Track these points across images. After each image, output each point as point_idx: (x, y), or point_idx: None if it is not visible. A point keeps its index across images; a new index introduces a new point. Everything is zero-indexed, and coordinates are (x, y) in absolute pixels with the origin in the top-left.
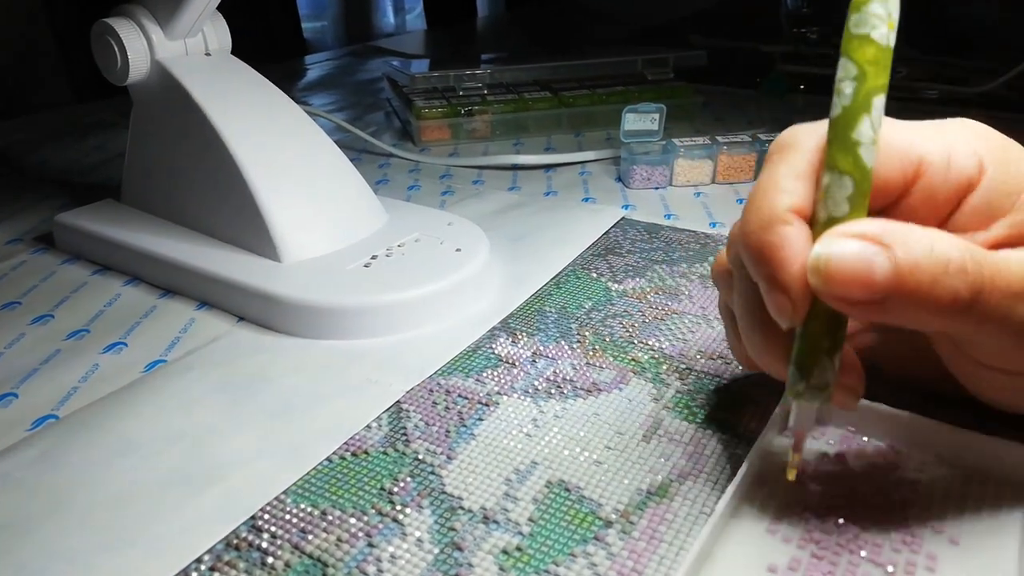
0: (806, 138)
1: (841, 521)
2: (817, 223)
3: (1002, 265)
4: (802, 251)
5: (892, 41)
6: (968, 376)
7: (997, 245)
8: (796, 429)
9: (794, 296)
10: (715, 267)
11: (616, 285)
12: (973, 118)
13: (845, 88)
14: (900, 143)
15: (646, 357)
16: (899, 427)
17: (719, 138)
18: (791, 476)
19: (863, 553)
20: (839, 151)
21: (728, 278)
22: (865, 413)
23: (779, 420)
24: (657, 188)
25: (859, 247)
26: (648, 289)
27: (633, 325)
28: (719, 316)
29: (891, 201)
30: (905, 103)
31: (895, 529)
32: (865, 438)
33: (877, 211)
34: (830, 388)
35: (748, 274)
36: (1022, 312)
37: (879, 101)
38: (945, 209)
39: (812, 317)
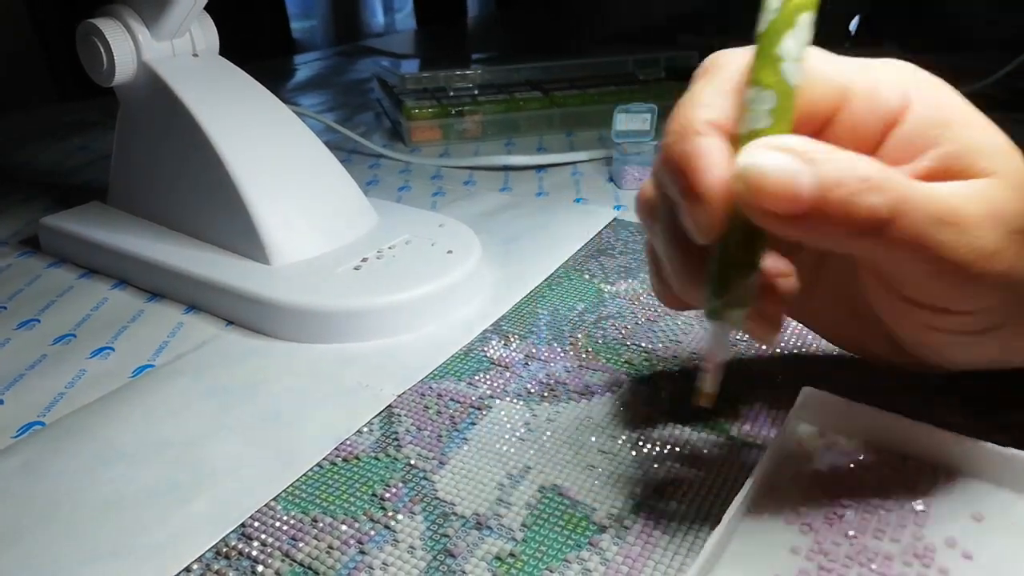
0: (731, 59)
1: (851, 533)
2: (740, 137)
3: (923, 189)
4: (719, 161)
5: None
6: (895, 316)
7: (923, 176)
8: (709, 352)
9: (711, 207)
10: (640, 200)
11: (609, 287)
12: None
13: (771, 3)
14: (825, 71)
15: (639, 359)
16: (914, 438)
17: None
18: (702, 402)
19: (873, 566)
20: (762, 66)
21: (652, 211)
22: (878, 423)
23: (785, 430)
24: None
25: (785, 159)
26: (641, 291)
27: (626, 327)
28: None
29: (815, 130)
30: None
31: (907, 542)
32: (877, 448)
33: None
34: (747, 307)
35: (669, 196)
36: (940, 237)
37: (805, 18)
38: (870, 141)
39: (728, 234)
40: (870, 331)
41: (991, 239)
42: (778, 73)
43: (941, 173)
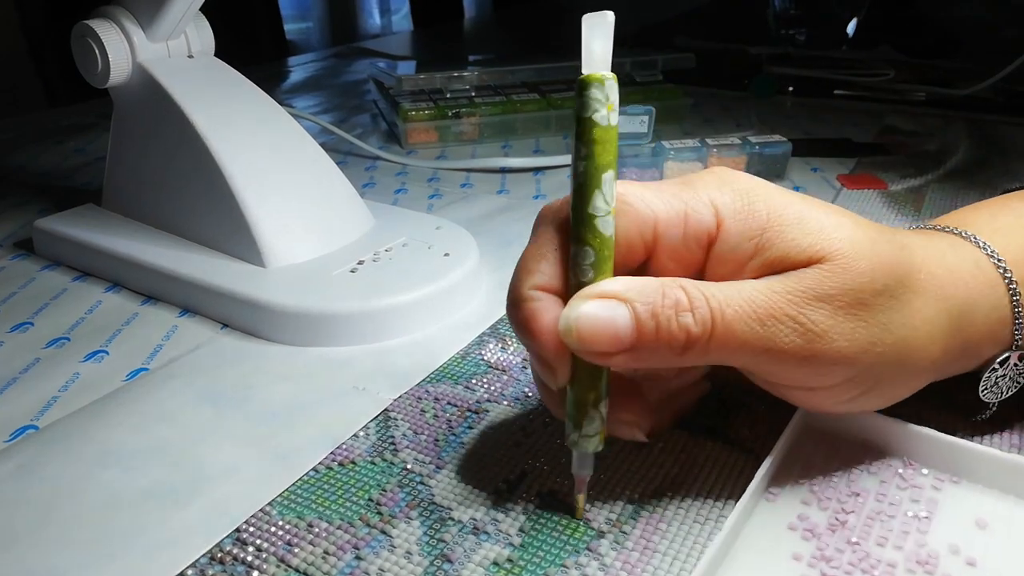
0: (554, 215)
1: (854, 540)
2: (571, 290)
3: (731, 294)
4: (550, 322)
5: (614, 120)
6: (776, 392)
7: None
8: (576, 474)
9: (552, 362)
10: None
11: None
12: (959, 120)
13: (578, 167)
14: (638, 209)
15: None
16: (917, 443)
17: (708, 140)
18: (579, 515)
19: (876, 573)
20: (579, 225)
21: None
22: (881, 428)
23: (788, 435)
24: None
25: (601, 305)
26: None
27: None
28: None
29: (640, 261)
30: (893, 105)
31: (910, 549)
32: (881, 454)
33: (629, 272)
34: (599, 435)
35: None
36: (762, 332)
37: (609, 176)
38: (694, 262)
39: (575, 374)
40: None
41: (817, 321)
42: (593, 229)
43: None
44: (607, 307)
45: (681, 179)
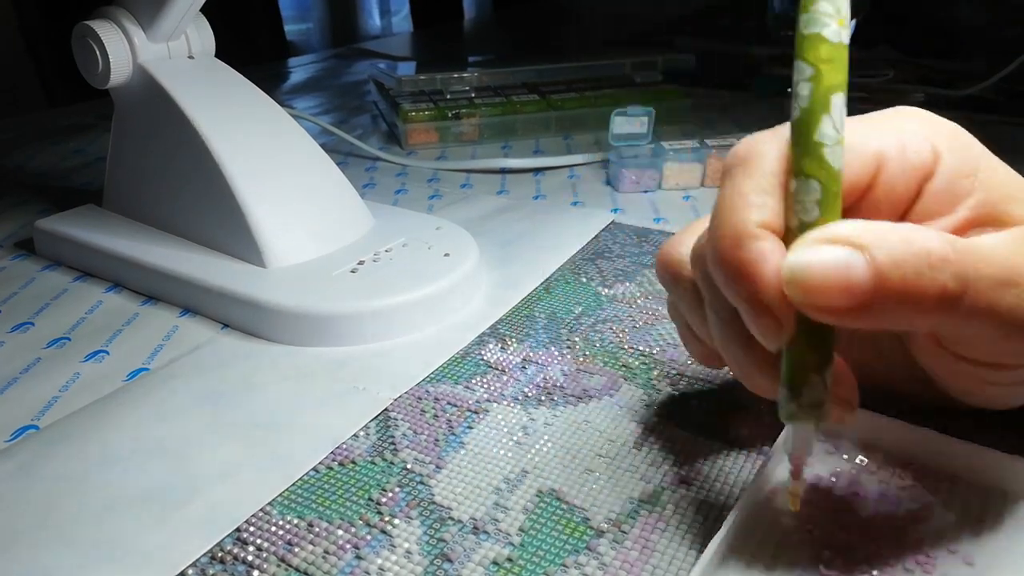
0: (767, 147)
1: (853, 539)
2: (790, 232)
3: (985, 251)
4: (777, 266)
5: (845, 38)
6: (947, 373)
7: (962, 228)
8: (793, 454)
9: (779, 315)
10: (662, 265)
11: (606, 290)
12: (959, 120)
13: (802, 90)
14: (855, 141)
15: (637, 363)
16: (915, 444)
17: (708, 141)
18: (794, 506)
19: (874, 573)
20: (803, 155)
21: (678, 279)
22: (881, 428)
23: (781, 446)
24: (646, 191)
25: (834, 252)
26: (638, 294)
27: (623, 330)
28: None
29: (855, 200)
30: (892, 106)
31: (907, 549)
32: (880, 453)
33: (842, 211)
34: (824, 406)
35: (721, 294)
36: (1008, 300)
37: (838, 99)
38: (906, 199)
39: (797, 334)
40: (899, 372)
41: None
42: (821, 160)
43: (979, 221)
44: (840, 254)
45: (878, 114)
